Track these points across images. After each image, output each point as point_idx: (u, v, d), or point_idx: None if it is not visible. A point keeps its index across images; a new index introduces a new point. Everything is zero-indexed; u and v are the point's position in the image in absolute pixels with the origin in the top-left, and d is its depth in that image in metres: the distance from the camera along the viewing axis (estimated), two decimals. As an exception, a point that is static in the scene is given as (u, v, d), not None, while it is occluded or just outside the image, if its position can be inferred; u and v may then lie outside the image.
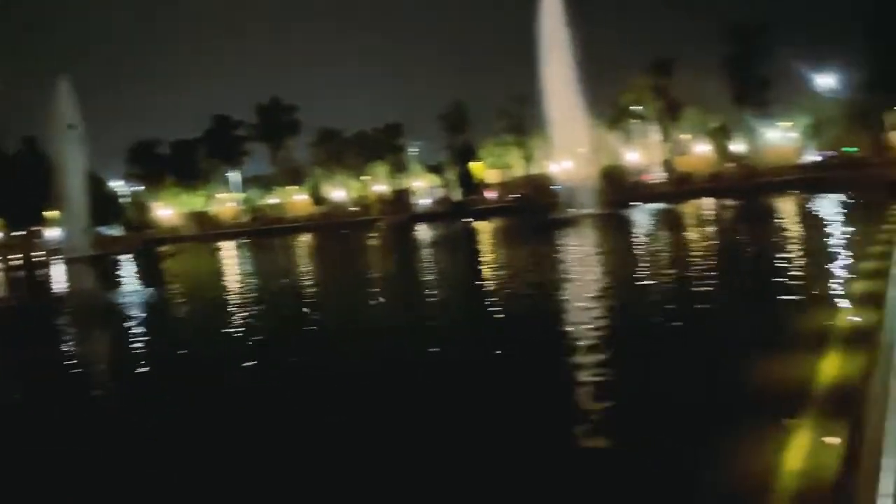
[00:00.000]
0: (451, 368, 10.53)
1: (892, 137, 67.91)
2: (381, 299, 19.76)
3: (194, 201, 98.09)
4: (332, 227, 72.79)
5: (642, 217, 42.96)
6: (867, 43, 69.11)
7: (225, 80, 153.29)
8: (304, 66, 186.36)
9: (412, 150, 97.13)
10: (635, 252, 24.97)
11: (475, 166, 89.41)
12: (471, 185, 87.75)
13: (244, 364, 12.24)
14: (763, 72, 74.43)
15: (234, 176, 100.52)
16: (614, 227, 37.40)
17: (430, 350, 11.89)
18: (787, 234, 25.57)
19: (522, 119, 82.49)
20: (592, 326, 12.42)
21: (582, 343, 11.33)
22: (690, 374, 8.87)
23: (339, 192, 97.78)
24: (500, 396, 8.89)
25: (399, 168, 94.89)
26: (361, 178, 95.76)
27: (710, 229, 32.28)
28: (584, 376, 9.50)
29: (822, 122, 78.94)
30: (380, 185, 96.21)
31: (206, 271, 39.02)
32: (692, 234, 29.65)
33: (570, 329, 12.67)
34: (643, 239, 30.71)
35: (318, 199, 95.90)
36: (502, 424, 7.85)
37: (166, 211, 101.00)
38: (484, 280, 22.13)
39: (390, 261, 35.48)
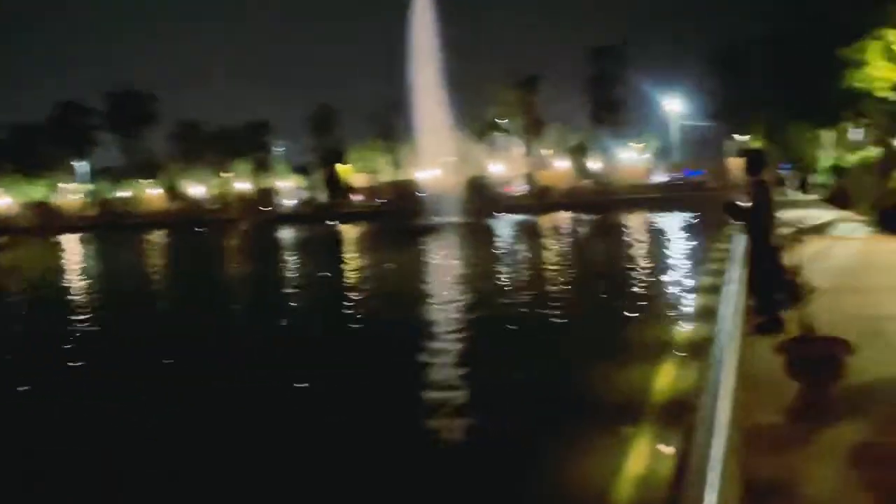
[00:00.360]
0: (291, 374, 10.18)
1: (732, 162, 73.74)
2: (232, 304, 18.80)
3: (35, 191, 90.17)
4: (188, 224, 69.02)
5: (504, 228, 43.89)
6: (712, 76, 74.98)
7: (86, 69, 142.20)
8: (167, 57, 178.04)
9: (278, 150, 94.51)
10: (494, 262, 25.17)
11: (342, 169, 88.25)
12: (337, 188, 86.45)
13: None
14: (619, 94, 78.87)
15: (82, 166, 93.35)
16: (476, 237, 37.75)
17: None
18: (636, 249, 26.93)
19: (391, 125, 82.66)
20: (442, 335, 12.40)
21: (428, 352, 11.22)
22: (535, 382, 8.97)
23: (197, 189, 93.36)
24: (343, 404, 8.71)
25: (263, 167, 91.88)
26: (223, 175, 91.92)
27: (566, 242, 33.40)
28: (425, 384, 9.39)
29: (671, 145, 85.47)
30: (242, 183, 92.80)
31: (37, 267, 35.64)
32: (549, 247, 30.49)
33: (417, 337, 12.46)
34: (503, 249, 31.23)
35: (173, 195, 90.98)
36: (345, 431, 7.68)
37: (4, 200, 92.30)
38: (342, 285, 21.59)
39: (246, 263, 34.07)
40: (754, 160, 7.56)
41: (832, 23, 18.89)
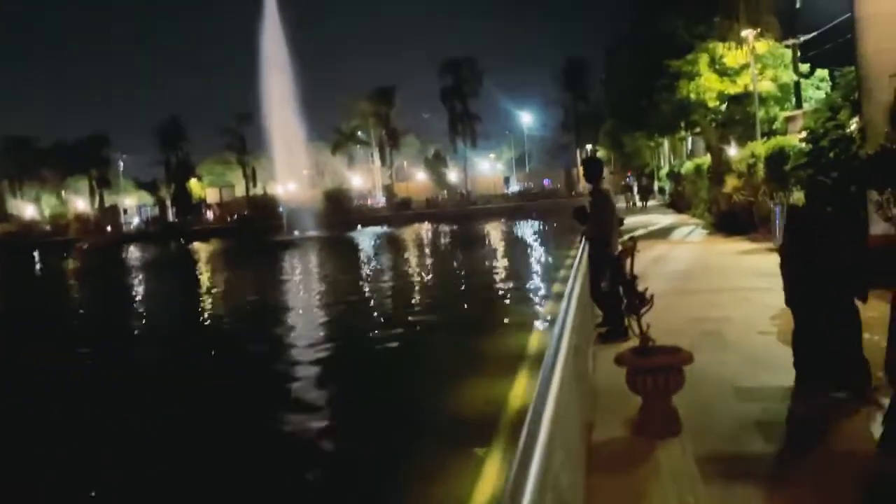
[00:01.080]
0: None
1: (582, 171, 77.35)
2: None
3: None
4: (20, 247, 62.80)
5: (364, 240, 43.33)
6: (562, 89, 78.79)
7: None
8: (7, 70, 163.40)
9: (120, 165, 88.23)
10: (351, 275, 24.57)
11: (193, 184, 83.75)
12: (188, 205, 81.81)
13: None
14: (473, 106, 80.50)
15: None
16: (335, 250, 37.18)
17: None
18: (492, 258, 27.14)
19: (244, 138, 79.95)
20: (293, 353, 12.02)
21: (273, 372, 10.77)
22: (384, 401, 8.70)
23: (30, 208, 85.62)
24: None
25: (105, 183, 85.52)
26: (60, 193, 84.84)
27: (424, 253, 33.34)
28: (267, 405, 9.01)
29: (524, 155, 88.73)
30: (82, 201, 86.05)
31: None
32: (407, 259, 30.23)
33: (262, 357, 12.00)
34: (361, 262, 30.69)
35: (2, 216, 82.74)
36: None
37: None
38: (190, 306, 20.14)
39: (81, 286, 31.25)
40: (591, 168, 7.60)
41: (666, 35, 19.92)
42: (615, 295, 7.69)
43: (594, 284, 7.35)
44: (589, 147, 72.25)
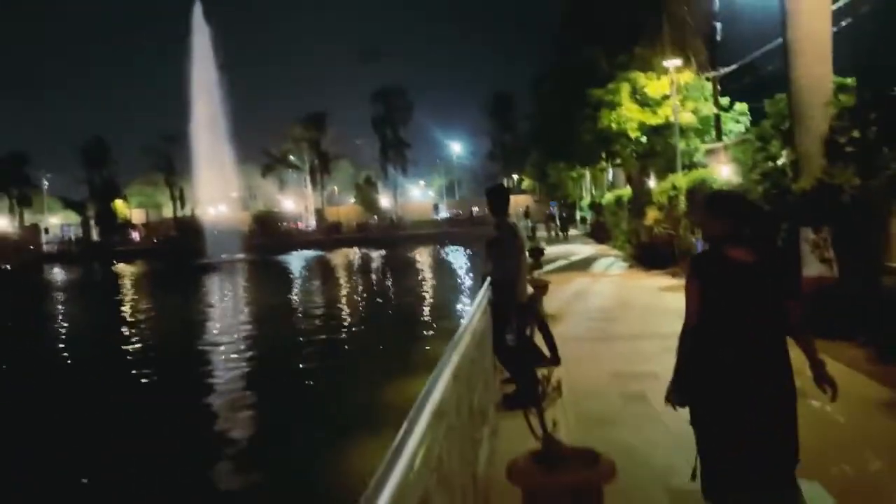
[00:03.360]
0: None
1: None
2: None
3: None
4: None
5: (293, 264, 42.84)
6: (489, 119, 79.60)
7: None
8: None
9: (45, 184, 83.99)
10: (279, 299, 23.87)
11: (118, 205, 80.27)
12: (112, 225, 78.18)
13: None
14: (404, 133, 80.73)
15: None
16: (263, 274, 36.89)
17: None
18: (418, 283, 26.80)
19: (172, 158, 77.22)
20: (212, 375, 12.11)
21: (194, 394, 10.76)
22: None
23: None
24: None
25: (26, 202, 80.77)
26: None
27: (351, 277, 32.61)
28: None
29: (453, 183, 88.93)
30: (2, 220, 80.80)
31: None
32: (334, 283, 29.90)
33: (185, 379, 12.08)
34: (289, 286, 30.08)
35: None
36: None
37: None
38: (107, 330, 19.03)
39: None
40: (496, 198, 6.40)
41: (588, 64, 19.30)
42: (525, 348, 6.49)
43: (497, 337, 6.13)
44: (515, 177, 72.84)
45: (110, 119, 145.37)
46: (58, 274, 47.98)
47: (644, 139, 18.91)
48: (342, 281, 31.10)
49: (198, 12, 57.50)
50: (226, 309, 23.37)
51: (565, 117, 19.25)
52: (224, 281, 33.73)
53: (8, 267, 54.79)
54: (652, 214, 17.17)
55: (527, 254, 6.81)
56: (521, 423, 5.06)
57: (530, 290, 7.64)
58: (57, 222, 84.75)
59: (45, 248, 73.87)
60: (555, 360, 7.76)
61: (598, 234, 30.56)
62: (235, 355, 13.96)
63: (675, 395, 3.21)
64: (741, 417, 3.00)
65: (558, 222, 38.69)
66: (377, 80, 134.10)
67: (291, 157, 79.85)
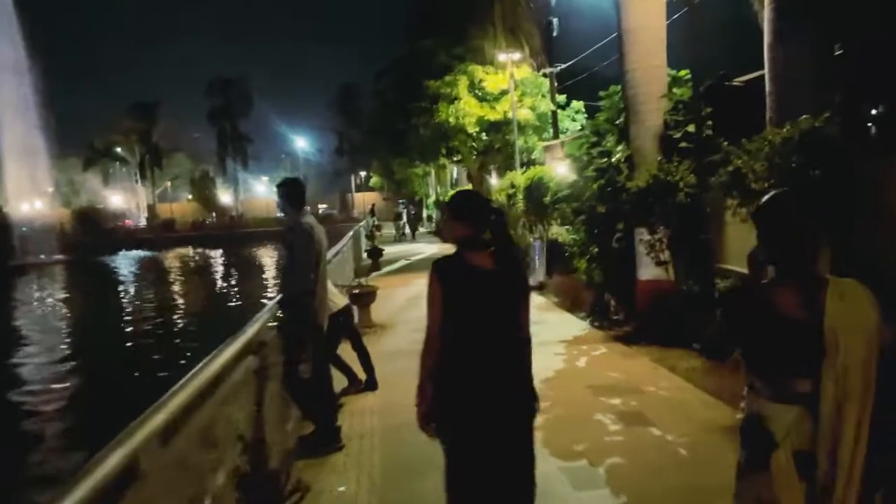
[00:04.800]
0: None
1: (357, 197, 75.99)
2: None
3: None
4: None
5: (120, 264, 39.85)
6: (336, 115, 77.50)
7: None
8: None
9: None
10: (101, 304, 22.46)
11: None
12: None
13: None
14: (244, 127, 76.69)
15: None
16: (83, 276, 34.03)
17: None
18: (252, 286, 24.81)
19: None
20: None
21: None
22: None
23: None
24: None
25: None
26: None
27: (180, 280, 30.17)
28: None
29: (305, 179, 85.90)
30: None
31: None
32: (162, 286, 27.69)
33: None
34: (113, 289, 27.61)
35: None
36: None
37: None
38: None
39: None
40: (289, 191, 5.19)
41: (426, 55, 18.48)
42: (322, 382, 5.31)
43: (287, 367, 4.94)
44: (363, 174, 71.46)
45: None
46: None
47: (483, 135, 18.38)
48: (169, 284, 28.71)
49: (0, -7, 51.44)
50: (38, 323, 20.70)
51: (402, 110, 18.30)
52: (33, 285, 30.38)
53: None
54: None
55: (327, 258, 5.59)
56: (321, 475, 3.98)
57: (342, 301, 6.53)
58: None
59: None
60: (370, 384, 6.70)
61: (443, 232, 30.11)
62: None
63: (425, 417, 3.03)
64: (481, 429, 2.90)
65: (405, 220, 37.81)
66: (216, 69, 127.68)
67: (118, 150, 73.66)
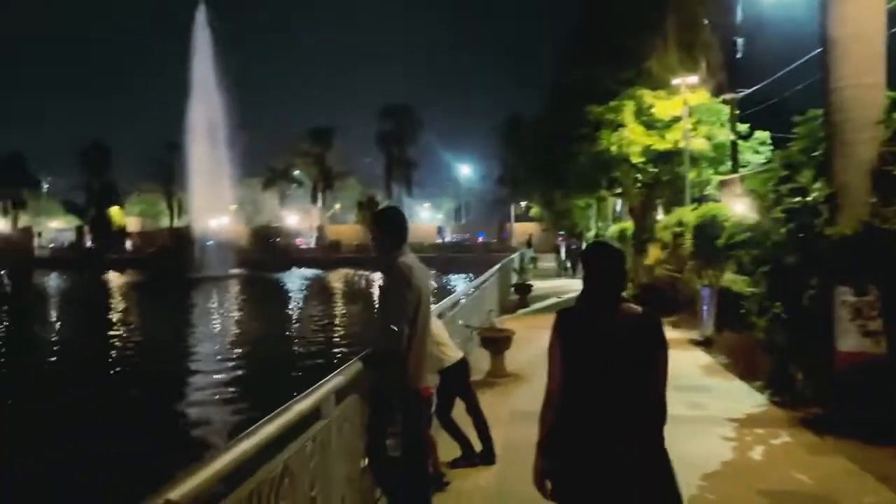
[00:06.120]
0: None
1: (516, 227, 75.45)
2: None
3: None
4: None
5: (289, 281, 42.27)
6: (499, 143, 77.49)
7: None
8: None
9: (44, 186, 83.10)
10: (271, 318, 23.60)
11: (114, 212, 78.94)
12: (107, 232, 76.82)
13: None
14: (411, 153, 79.07)
15: None
16: (258, 291, 35.98)
17: None
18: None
19: (173, 168, 75.84)
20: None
21: None
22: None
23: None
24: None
25: (21, 205, 79.57)
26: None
27: (347, 298, 31.18)
28: None
29: (461, 206, 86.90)
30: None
31: None
32: (324, 305, 28.90)
33: None
34: (281, 304, 29.60)
35: None
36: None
37: None
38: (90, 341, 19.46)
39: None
40: (386, 225, 4.27)
41: (589, 81, 17.25)
42: (417, 465, 4.28)
43: (373, 439, 4.01)
44: (524, 203, 70.69)
45: (116, 123, 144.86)
46: (46, 280, 47.47)
47: (649, 167, 16.73)
48: (332, 303, 30.00)
49: (200, 18, 56.49)
50: (206, 333, 22.35)
51: (562, 138, 17.12)
52: (210, 296, 32.64)
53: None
54: (654, 252, 15.02)
55: (431, 309, 4.56)
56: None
57: (456, 354, 5.52)
58: (57, 226, 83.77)
59: (37, 252, 72.59)
60: (486, 456, 5.59)
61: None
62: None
63: (541, 475, 2.78)
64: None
65: (564, 255, 36.06)
66: (386, 96, 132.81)
67: (296, 173, 78.37)
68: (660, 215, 18.72)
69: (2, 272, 52.95)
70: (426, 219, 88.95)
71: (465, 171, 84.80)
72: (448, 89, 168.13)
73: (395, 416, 4.10)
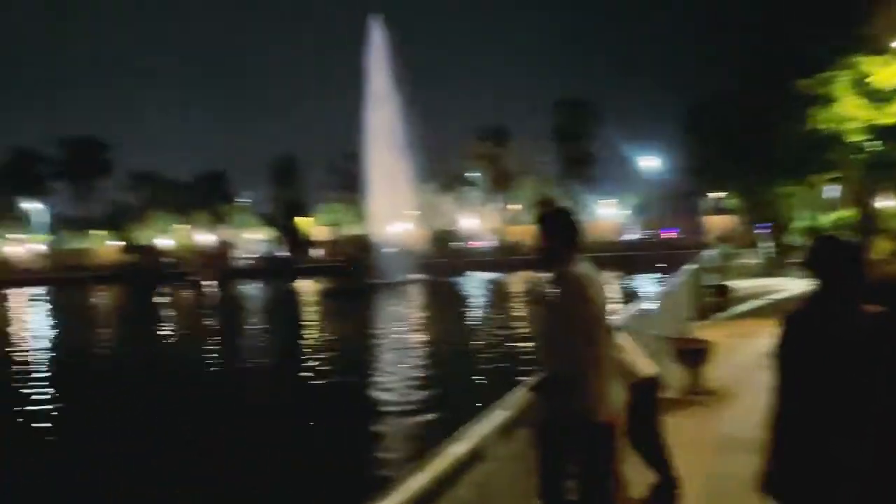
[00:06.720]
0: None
1: (708, 221, 70.71)
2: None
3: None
4: (145, 278, 65.10)
5: (467, 285, 42.65)
6: (686, 131, 72.72)
7: (39, 116, 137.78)
8: (123, 108, 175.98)
9: (244, 201, 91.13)
10: (453, 325, 23.35)
11: (302, 222, 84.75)
12: (297, 242, 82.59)
13: None
14: (590, 148, 76.41)
15: (39, 214, 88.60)
16: (439, 297, 36.50)
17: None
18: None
19: (354, 177, 79.85)
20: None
21: None
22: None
23: (156, 240, 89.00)
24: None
25: (221, 218, 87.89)
26: (179, 226, 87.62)
27: (519, 305, 30.79)
28: None
29: (646, 202, 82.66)
30: (204, 235, 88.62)
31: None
32: (506, 310, 28.18)
33: None
34: (466, 311, 29.51)
35: (132, 247, 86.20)
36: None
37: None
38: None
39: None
40: (553, 227, 3.56)
41: (797, 57, 15.18)
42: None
43: (546, 478, 3.31)
44: (718, 194, 65.73)
45: (304, 136, 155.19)
46: (242, 289, 51.50)
47: (873, 144, 14.35)
48: (510, 308, 29.20)
49: (374, 25, 58.14)
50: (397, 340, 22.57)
51: (760, 119, 15.21)
52: (389, 301, 33.42)
53: (202, 281, 59.33)
54: (883, 245, 12.85)
55: (610, 322, 3.73)
56: None
57: (648, 369, 4.65)
58: (253, 238, 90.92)
59: (233, 263, 78.82)
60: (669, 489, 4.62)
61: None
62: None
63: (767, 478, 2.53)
64: None
65: (767, 250, 32.59)
66: (557, 89, 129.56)
67: (471, 174, 78.94)
68: (889, 201, 16.07)
69: (203, 282, 58.64)
70: (610, 215, 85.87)
71: (649, 163, 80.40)
72: (626, 76, 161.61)
73: (572, 453, 3.37)
